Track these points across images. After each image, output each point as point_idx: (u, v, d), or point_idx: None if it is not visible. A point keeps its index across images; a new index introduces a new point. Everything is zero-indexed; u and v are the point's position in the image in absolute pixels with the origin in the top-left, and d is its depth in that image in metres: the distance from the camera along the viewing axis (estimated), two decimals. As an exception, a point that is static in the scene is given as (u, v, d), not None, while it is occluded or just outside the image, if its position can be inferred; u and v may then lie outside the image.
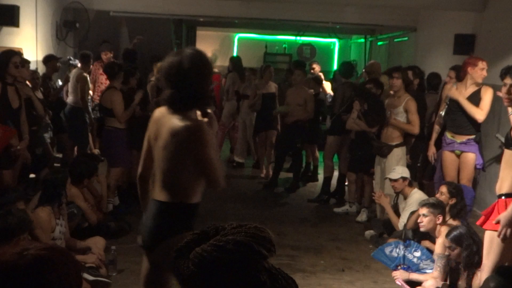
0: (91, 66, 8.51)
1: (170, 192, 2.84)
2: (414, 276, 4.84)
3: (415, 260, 4.97)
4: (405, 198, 5.87)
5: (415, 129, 6.31)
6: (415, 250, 5.01)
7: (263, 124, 8.87)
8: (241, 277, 1.24)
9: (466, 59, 6.13)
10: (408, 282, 4.85)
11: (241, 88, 9.38)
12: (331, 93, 9.07)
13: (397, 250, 5.06)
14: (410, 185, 5.91)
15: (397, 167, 5.98)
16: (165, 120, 2.82)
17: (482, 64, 5.83)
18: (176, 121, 2.75)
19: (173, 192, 2.84)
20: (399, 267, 4.98)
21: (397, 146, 6.33)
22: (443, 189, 5.26)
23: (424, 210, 4.82)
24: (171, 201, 2.84)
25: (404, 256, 4.98)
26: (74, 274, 1.57)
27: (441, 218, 4.79)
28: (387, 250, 5.14)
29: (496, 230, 3.75)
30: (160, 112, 2.92)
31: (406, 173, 5.87)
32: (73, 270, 1.57)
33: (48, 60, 7.63)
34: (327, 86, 9.39)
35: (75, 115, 7.86)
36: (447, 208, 5.04)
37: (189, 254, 1.27)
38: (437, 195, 5.29)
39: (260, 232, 1.28)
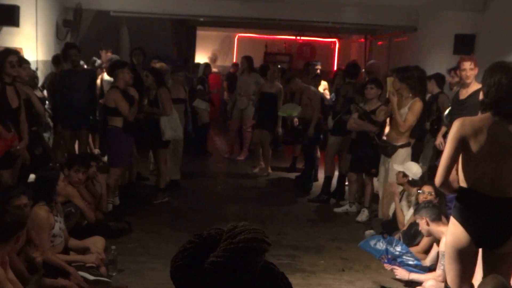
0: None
1: None
2: (415, 276, 4.84)
3: (397, 252, 5.16)
4: (408, 195, 5.89)
5: (401, 127, 6.21)
6: (396, 245, 5.21)
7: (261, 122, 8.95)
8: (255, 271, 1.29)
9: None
10: (409, 282, 4.87)
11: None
12: (327, 93, 9.05)
13: (380, 243, 5.42)
14: (413, 185, 5.85)
15: (410, 163, 5.99)
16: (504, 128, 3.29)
17: (462, 65, 5.87)
18: None
19: None
20: (384, 257, 5.23)
21: (401, 146, 6.25)
22: (429, 188, 5.36)
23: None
24: None
25: (386, 249, 5.24)
26: None
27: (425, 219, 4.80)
28: (372, 242, 5.53)
29: None
30: (484, 120, 3.31)
31: (414, 173, 5.85)
32: None
33: (57, 60, 7.64)
34: (324, 86, 9.36)
35: None
36: None
37: (195, 262, 1.28)
38: (422, 196, 5.39)
39: (253, 225, 1.33)
